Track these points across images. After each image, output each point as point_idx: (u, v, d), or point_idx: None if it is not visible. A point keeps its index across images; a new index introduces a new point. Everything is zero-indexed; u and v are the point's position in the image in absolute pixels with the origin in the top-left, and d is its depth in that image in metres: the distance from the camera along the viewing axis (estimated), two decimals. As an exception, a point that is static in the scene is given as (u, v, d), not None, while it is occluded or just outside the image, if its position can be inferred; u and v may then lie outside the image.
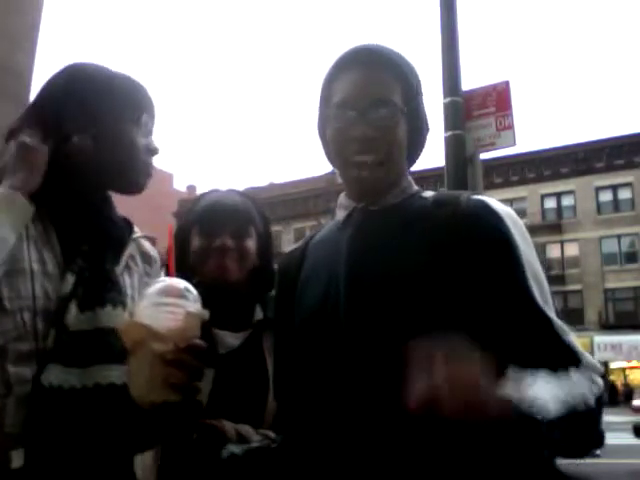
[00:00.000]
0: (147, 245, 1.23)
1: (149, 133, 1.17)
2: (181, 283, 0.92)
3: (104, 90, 1.11)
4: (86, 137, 1.07)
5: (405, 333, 0.85)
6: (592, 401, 0.86)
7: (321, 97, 1.11)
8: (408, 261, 0.95)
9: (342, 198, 1.12)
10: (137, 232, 1.21)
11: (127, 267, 1.14)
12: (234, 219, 1.39)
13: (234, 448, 1.05)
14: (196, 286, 0.96)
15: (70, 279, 1.01)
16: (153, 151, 1.16)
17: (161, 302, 0.89)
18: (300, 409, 1.02)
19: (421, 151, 1.14)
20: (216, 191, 1.50)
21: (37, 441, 0.92)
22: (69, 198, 1.09)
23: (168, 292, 0.90)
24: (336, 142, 1.05)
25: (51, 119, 1.07)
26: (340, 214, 1.10)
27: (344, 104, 1.03)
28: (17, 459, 0.89)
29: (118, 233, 1.14)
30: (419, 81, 1.10)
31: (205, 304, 0.94)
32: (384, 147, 1.01)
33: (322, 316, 1.00)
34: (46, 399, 0.93)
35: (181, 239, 1.42)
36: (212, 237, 1.37)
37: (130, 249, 1.16)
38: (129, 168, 1.12)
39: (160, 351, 0.86)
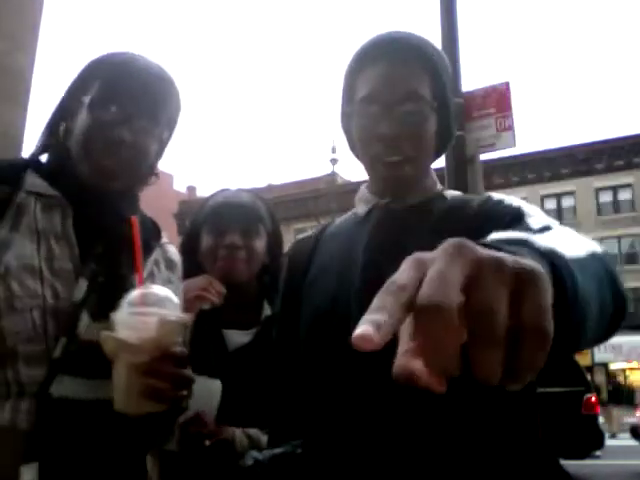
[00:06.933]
0: (172, 250, 1.18)
1: (122, 121, 1.00)
2: (162, 290, 0.88)
3: (90, 71, 1.04)
4: (73, 119, 1.02)
5: None
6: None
7: (344, 92, 1.04)
8: None
9: (363, 191, 1.07)
10: (164, 237, 1.15)
11: (151, 274, 1.07)
12: (243, 218, 1.40)
13: (258, 455, 1.00)
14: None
15: (83, 284, 0.94)
16: (120, 141, 1.00)
17: (135, 312, 0.84)
18: (311, 410, 0.99)
19: (447, 147, 1.08)
20: (225, 190, 1.51)
21: (47, 452, 0.88)
22: (82, 187, 1.01)
23: (144, 301, 0.85)
24: (362, 140, 0.99)
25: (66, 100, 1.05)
26: (360, 208, 1.05)
27: (369, 99, 0.96)
28: (28, 473, 0.85)
29: (143, 236, 1.03)
30: (448, 72, 1.02)
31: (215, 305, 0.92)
32: (411, 144, 0.96)
33: (333, 312, 0.96)
34: (54, 409, 0.90)
35: (191, 238, 1.45)
36: (221, 236, 1.38)
37: (156, 254, 1.10)
38: (87, 154, 1.00)
39: (134, 362, 0.83)
